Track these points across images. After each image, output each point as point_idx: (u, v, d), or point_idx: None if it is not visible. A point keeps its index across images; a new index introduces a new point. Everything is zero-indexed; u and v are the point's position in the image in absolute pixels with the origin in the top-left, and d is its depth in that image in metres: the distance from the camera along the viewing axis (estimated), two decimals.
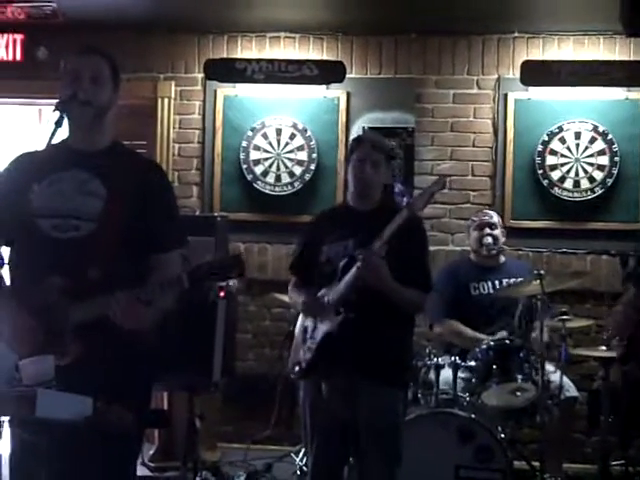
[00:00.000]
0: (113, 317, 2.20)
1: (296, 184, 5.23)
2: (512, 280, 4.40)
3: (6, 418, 2.06)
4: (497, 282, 4.44)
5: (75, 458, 2.25)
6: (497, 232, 4.51)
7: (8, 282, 2.43)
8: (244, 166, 5.24)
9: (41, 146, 2.32)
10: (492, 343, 4.05)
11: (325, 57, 5.25)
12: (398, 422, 3.15)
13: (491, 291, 4.43)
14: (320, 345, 3.07)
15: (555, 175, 5.05)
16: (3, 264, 2.42)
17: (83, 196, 2.38)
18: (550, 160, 5.05)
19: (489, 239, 4.46)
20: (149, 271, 2.40)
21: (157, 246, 2.45)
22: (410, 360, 3.48)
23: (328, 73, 5.16)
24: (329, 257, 3.14)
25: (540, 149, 5.05)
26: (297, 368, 3.18)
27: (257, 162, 5.24)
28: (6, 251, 2.44)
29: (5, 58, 5.35)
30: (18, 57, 5.35)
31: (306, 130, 5.21)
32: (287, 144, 5.24)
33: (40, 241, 2.37)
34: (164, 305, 2.33)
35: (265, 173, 5.24)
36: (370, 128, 5.17)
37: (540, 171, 5.05)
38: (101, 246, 2.33)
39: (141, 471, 4.32)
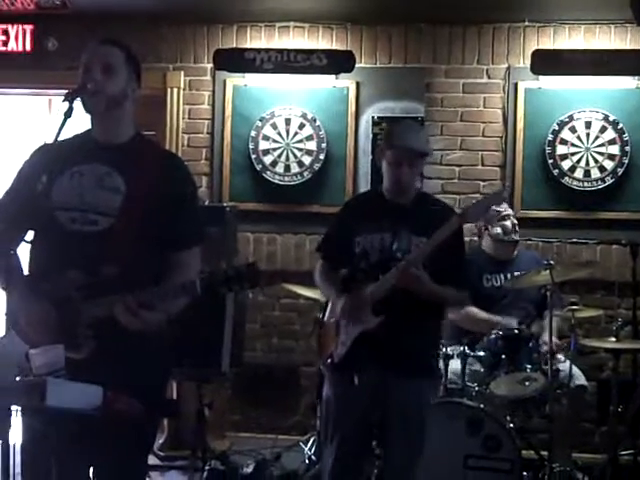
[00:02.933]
0: (119, 319, 2.21)
1: (305, 174, 5.22)
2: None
3: (17, 408, 2.07)
4: (509, 275, 4.45)
5: (85, 448, 2.27)
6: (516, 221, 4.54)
7: (26, 271, 2.44)
8: (253, 156, 5.24)
9: (62, 136, 2.30)
10: (501, 333, 4.06)
11: (334, 47, 5.23)
12: (426, 413, 3.17)
13: (504, 283, 4.43)
14: (355, 341, 3.07)
15: (565, 165, 5.02)
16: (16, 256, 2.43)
17: (102, 190, 2.38)
18: (560, 150, 5.02)
19: (517, 227, 4.50)
20: (169, 268, 2.39)
21: (177, 243, 2.43)
22: (439, 352, 3.49)
23: (337, 63, 5.15)
24: (364, 249, 3.12)
25: (550, 138, 5.02)
26: (329, 361, 3.17)
27: (266, 152, 5.24)
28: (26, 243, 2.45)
29: (15, 49, 5.36)
30: (28, 48, 5.35)
31: (315, 120, 5.20)
32: (296, 134, 5.23)
33: (58, 233, 2.37)
34: (175, 309, 2.32)
35: (274, 163, 5.24)
36: (380, 118, 5.17)
37: (550, 161, 5.03)
38: (119, 242, 2.32)
39: (150, 460, 4.33)
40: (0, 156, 5.85)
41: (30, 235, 2.46)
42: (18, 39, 5.34)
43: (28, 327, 2.27)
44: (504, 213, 4.50)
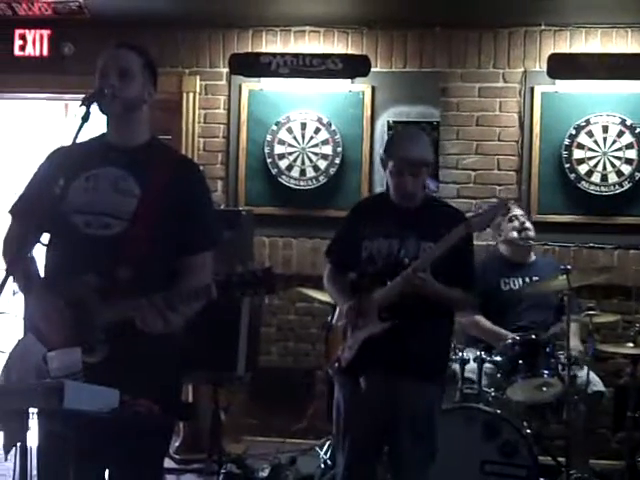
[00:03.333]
0: (137, 323, 2.20)
1: (321, 178, 5.22)
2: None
3: (35, 410, 2.08)
4: (527, 279, 4.43)
5: (102, 450, 2.28)
6: (529, 222, 4.50)
7: (42, 274, 2.45)
8: (269, 160, 5.25)
9: (79, 140, 2.30)
10: (518, 338, 4.03)
11: (350, 51, 5.23)
12: (435, 416, 3.15)
13: (520, 287, 4.41)
14: (362, 346, 3.06)
15: (582, 169, 5.00)
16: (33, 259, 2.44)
17: (117, 194, 2.38)
18: (577, 154, 5.00)
19: (527, 225, 4.48)
20: (181, 272, 2.39)
21: (189, 247, 2.43)
22: (448, 356, 3.48)
23: (353, 67, 5.15)
24: (371, 254, 3.11)
25: (567, 143, 5.00)
26: (336, 365, 3.17)
27: (282, 156, 5.25)
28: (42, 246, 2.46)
29: (32, 54, 5.38)
30: (45, 52, 5.38)
31: (331, 124, 5.21)
32: (312, 138, 5.23)
33: (73, 237, 2.37)
34: (190, 312, 2.31)
35: (290, 167, 5.24)
36: (395, 122, 5.16)
37: (567, 165, 5.00)
38: (132, 245, 2.33)
39: (167, 463, 4.33)
40: (17, 160, 5.89)
41: (46, 238, 2.47)
42: (35, 44, 5.37)
43: (44, 330, 2.28)
44: (511, 214, 4.48)
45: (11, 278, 2.21)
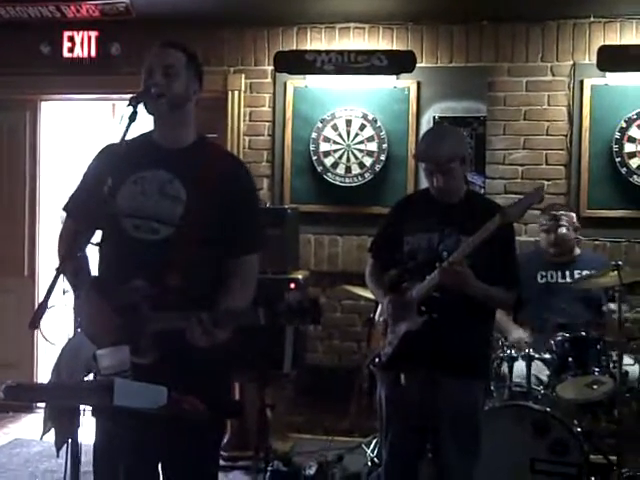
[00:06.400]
0: (188, 337, 2.21)
1: (366, 175, 5.20)
2: (586, 272, 4.32)
3: (86, 407, 2.10)
4: (567, 273, 4.37)
5: (155, 448, 2.30)
6: (564, 231, 4.42)
7: (94, 272, 2.48)
8: (314, 158, 5.25)
9: (126, 139, 2.30)
10: (567, 335, 3.97)
11: (395, 47, 5.21)
12: (478, 414, 3.12)
13: (560, 281, 4.36)
14: (401, 341, 3.06)
15: (634, 163, 4.90)
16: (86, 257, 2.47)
17: (164, 199, 2.40)
18: (628, 147, 4.91)
19: (560, 239, 4.41)
20: (227, 275, 2.41)
21: (236, 250, 2.44)
22: (490, 351, 3.45)
23: (398, 63, 5.12)
24: (412, 249, 3.12)
25: (618, 136, 4.91)
26: (377, 360, 3.18)
27: (327, 154, 5.24)
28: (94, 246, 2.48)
29: (80, 55, 5.47)
30: (93, 54, 5.45)
31: (376, 121, 5.19)
32: (357, 135, 5.22)
33: (123, 239, 2.40)
34: (235, 327, 2.31)
35: (335, 164, 5.24)
36: (441, 117, 5.12)
37: (618, 159, 4.91)
38: (179, 250, 2.34)
39: None
40: (66, 161, 5.97)
41: (97, 236, 2.50)
42: (83, 45, 5.45)
43: (93, 331, 2.30)
44: (547, 226, 4.44)
45: (62, 275, 2.24)
